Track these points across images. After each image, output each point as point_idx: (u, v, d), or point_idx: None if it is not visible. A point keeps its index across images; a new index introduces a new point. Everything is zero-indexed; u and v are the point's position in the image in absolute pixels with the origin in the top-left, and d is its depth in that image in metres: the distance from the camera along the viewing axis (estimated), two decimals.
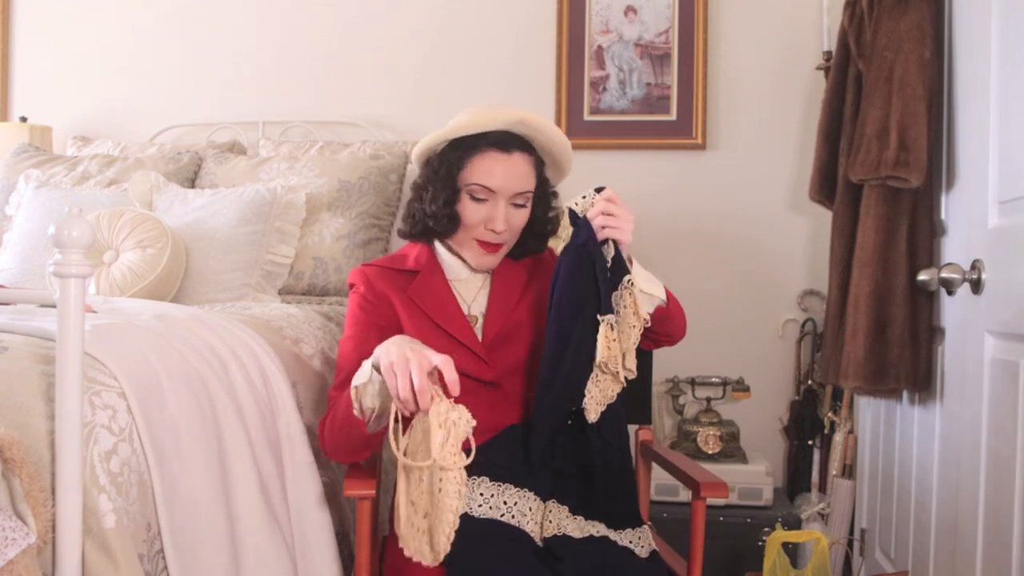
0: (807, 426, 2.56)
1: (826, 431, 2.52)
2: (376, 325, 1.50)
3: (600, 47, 2.73)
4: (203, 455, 1.26)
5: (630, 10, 2.72)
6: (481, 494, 1.40)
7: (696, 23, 2.67)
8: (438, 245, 1.57)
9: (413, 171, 2.49)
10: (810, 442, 2.56)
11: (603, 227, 1.40)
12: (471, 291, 1.57)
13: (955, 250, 1.81)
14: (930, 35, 1.86)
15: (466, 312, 1.55)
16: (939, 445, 1.83)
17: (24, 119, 2.92)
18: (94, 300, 1.57)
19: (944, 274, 1.64)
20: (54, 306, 0.99)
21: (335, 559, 1.49)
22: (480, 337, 1.53)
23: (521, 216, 1.52)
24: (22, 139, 2.80)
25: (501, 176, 1.47)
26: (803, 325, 2.64)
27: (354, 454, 1.41)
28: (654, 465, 1.69)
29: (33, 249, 2.25)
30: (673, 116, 2.70)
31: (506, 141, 1.48)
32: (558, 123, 2.74)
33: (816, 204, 2.31)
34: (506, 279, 1.59)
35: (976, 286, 1.59)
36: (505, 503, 1.40)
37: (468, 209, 1.48)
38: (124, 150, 2.74)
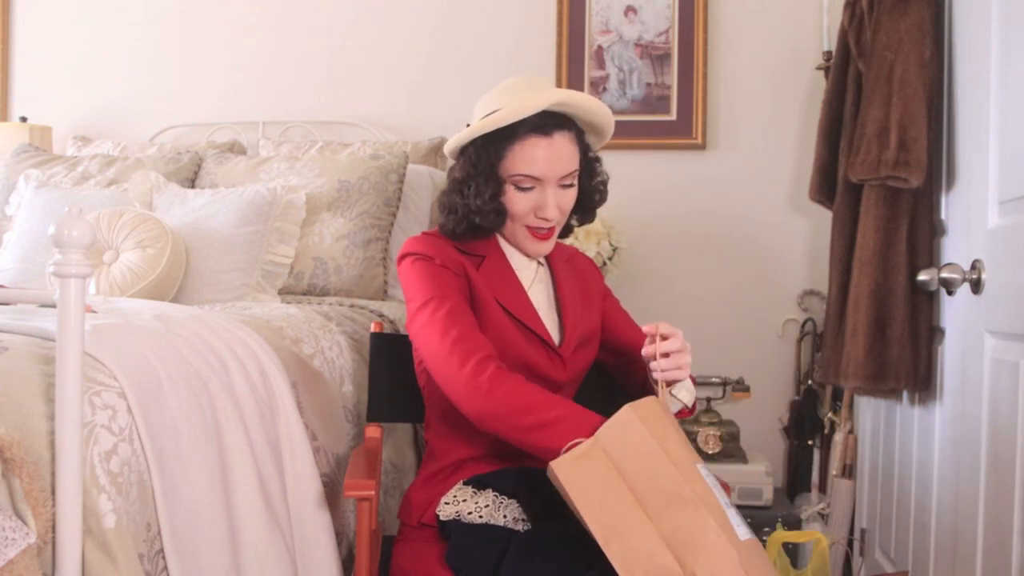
0: (807, 426, 2.56)
1: (826, 431, 2.52)
2: (463, 291, 1.40)
3: (600, 47, 2.73)
4: (203, 455, 1.26)
5: (630, 10, 2.72)
6: (487, 505, 1.38)
7: (696, 23, 2.67)
8: (496, 235, 1.50)
9: (413, 171, 2.50)
10: (810, 442, 2.56)
11: (676, 368, 1.32)
12: (526, 281, 1.50)
13: (955, 250, 1.81)
14: (930, 35, 1.86)
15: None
16: (939, 445, 1.83)
17: (24, 119, 2.92)
18: (94, 300, 1.57)
19: (944, 274, 1.64)
20: (54, 306, 0.99)
21: (335, 559, 1.49)
22: (558, 335, 1.48)
23: (570, 196, 1.44)
24: (22, 139, 2.80)
25: (545, 162, 1.38)
26: (803, 325, 2.64)
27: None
28: None
29: (33, 249, 2.25)
30: (673, 116, 2.70)
31: (545, 123, 1.38)
32: None
33: (816, 204, 2.31)
34: (567, 275, 1.54)
35: (976, 286, 1.59)
36: (505, 516, 1.38)
37: (515, 200, 1.40)
38: (124, 150, 2.75)
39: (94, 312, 1.40)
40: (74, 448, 0.99)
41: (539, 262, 1.54)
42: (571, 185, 1.44)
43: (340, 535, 1.59)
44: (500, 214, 1.41)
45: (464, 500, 1.39)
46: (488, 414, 1.27)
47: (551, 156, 1.38)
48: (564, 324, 1.48)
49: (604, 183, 1.54)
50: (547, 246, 1.46)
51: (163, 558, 1.14)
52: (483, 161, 1.40)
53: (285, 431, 1.50)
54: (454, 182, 1.45)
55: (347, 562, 1.60)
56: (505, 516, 1.38)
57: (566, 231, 1.55)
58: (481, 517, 1.37)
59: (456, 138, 1.43)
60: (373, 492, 1.33)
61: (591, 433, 1.20)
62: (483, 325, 1.39)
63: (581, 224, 1.57)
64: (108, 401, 1.12)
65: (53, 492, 0.99)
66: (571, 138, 1.42)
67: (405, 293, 1.44)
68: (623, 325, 1.60)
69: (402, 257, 1.46)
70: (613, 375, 1.62)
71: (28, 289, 2.05)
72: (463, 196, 1.42)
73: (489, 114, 1.41)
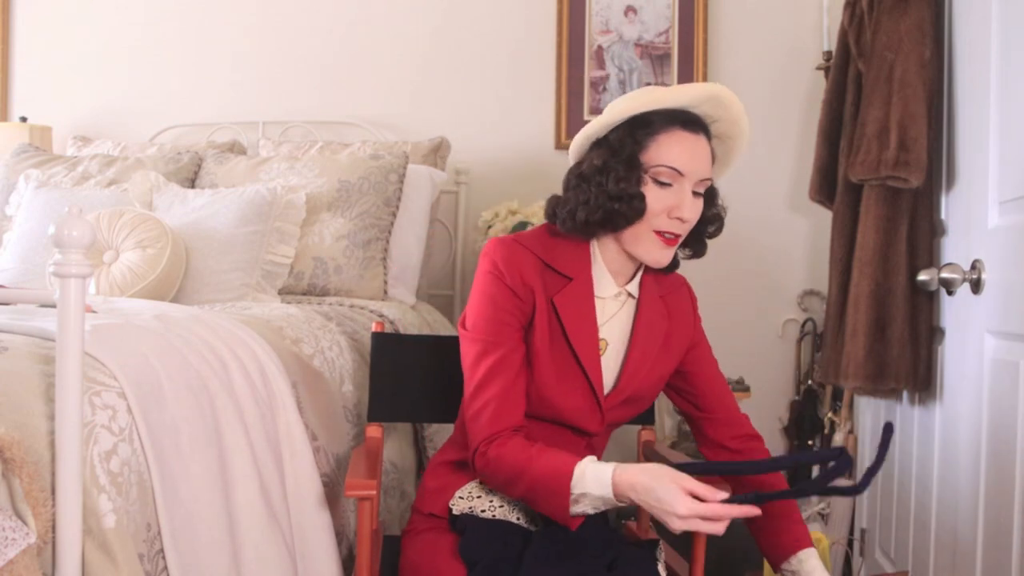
0: (807, 426, 2.56)
1: (826, 431, 2.52)
2: (520, 328, 1.35)
3: (600, 47, 2.73)
4: (203, 455, 1.26)
5: (630, 10, 2.72)
6: (501, 505, 1.39)
7: (696, 23, 2.67)
8: (596, 250, 1.40)
9: (413, 171, 2.50)
10: (810, 442, 2.56)
11: None
12: (606, 313, 1.41)
13: (955, 250, 1.81)
14: (930, 35, 1.86)
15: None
16: (939, 445, 1.83)
17: (24, 119, 2.92)
18: (94, 300, 1.57)
19: (944, 274, 1.64)
20: (54, 306, 0.99)
21: (335, 559, 1.49)
22: (613, 382, 1.40)
23: (700, 207, 1.35)
24: (22, 139, 2.80)
25: (690, 157, 1.30)
26: (803, 325, 2.64)
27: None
28: None
29: (33, 249, 2.25)
30: None
31: (692, 120, 1.33)
32: (558, 124, 2.74)
33: (816, 204, 2.31)
34: (652, 316, 1.43)
35: (976, 286, 1.59)
36: (519, 518, 1.39)
37: (652, 194, 1.31)
38: (124, 150, 2.75)
39: (94, 312, 1.40)
40: (74, 448, 0.99)
41: (629, 293, 1.43)
42: (701, 195, 1.36)
43: (340, 535, 1.59)
44: (641, 201, 1.31)
45: (479, 496, 1.40)
46: (491, 484, 1.35)
47: (695, 153, 1.32)
48: (621, 374, 1.40)
49: (721, 216, 1.45)
50: (669, 255, 1.37)
51: (163, 558, 1.14)
52: (626, 148, 1.32)
53: (285, 431, 1.50)
54: (592, 170, 1.34)
55: (347, 562, 1.60)
56: (518, 518, 1.39)
57: (672, 265, 1.46)
58: (495, 515, 1.38)
59: (595, 124, 1.35)
60: (374, 492, 1.33)
61: (562, 502, 1.21)
62: (532, 355, 1.35)
63: (691, 257, 1.47)
64: (108, 401, 1.12)
65: (53, 492, 0.99)
66: (708, 145, 1.35)
67: (471, 292, 1.40)
68: (709, 380, 1.51)
69: (484, 254, 1.40)
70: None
71: (28, 289, 2.04)
72: (601, 185, 1.32)
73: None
